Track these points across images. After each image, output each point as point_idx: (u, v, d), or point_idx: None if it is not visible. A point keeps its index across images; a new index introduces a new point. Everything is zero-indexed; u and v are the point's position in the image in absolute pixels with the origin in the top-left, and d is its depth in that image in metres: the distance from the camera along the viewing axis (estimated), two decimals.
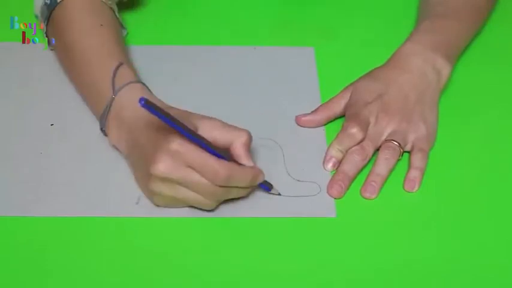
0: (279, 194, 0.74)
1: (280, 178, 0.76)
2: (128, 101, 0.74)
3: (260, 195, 0.74)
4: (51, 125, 0.81)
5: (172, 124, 0.67)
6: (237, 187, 0.70)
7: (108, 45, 0.80)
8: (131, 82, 0.75)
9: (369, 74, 0.83)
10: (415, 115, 0.80)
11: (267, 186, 0.74)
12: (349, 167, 0.76)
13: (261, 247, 0.71)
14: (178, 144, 0.67)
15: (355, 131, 0.77)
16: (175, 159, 0.67)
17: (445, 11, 0.89)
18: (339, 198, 0.75)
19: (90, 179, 0.75)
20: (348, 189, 0.75)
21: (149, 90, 0.77)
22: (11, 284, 0.67)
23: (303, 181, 0.76)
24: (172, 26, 0.96)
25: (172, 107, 0.73)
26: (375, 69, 0.84)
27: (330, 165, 0.77)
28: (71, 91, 0.84)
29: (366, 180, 0.76)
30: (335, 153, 0.77)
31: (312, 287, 0.68)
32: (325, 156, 0.78)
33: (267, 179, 0.73)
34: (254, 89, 0.87)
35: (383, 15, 0.99)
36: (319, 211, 0.74)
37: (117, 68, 0.76)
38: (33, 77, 0.87)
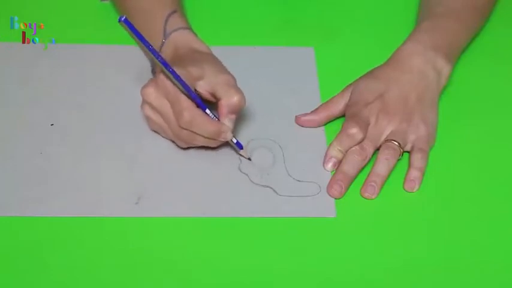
0: (249, 159, 0.77)
1: (280, 178, 0.76)
2: (178, 44, 0.81)
3: (260, 195, 0.74)
4: (51, 125, 0.81)
5: (149, 47, 0.71)
6: (202, 136, 0.74)
7: None
8: (180, 28, 0.82)
9: (369, 74, 0.83)
10: (415, 115, 0.79)
11: (240, 144, 0.77)
12: (349, 167, 0.76)
13: (261, 247, 0.71)
14: (163, 76, 0.73)
15: (355, 131, 0.77)
16: (158, 88, 0.73)
17: (445, 11, 0.88)
18: (339, 198, 0.75)
19: (89, 179, 0.75)
20: (347, 189, 0.75)
21: (197, 36, 0.82)
22: (11, 284, 0.67)
23: (303, 181, 0.76)
24: None
25: (205, 52, 0.80)
26: (375, 68, 0.84)
27: (330, 165, 0.77)
28: (71, 91, 0.84)
29: (366, 181, 0.76)
30: (335, 153, 0.77)
31: (311, 287, 0.68)
32: (325, 156, 0.78)
33: (267, 179, 0.73)
34: (254, 89, 0.86)
35: (383, 15, 0.99)
36: (319, 211, 0.74)
37: (170, 15, 0.83)
38: (33, 77, 0.87)
